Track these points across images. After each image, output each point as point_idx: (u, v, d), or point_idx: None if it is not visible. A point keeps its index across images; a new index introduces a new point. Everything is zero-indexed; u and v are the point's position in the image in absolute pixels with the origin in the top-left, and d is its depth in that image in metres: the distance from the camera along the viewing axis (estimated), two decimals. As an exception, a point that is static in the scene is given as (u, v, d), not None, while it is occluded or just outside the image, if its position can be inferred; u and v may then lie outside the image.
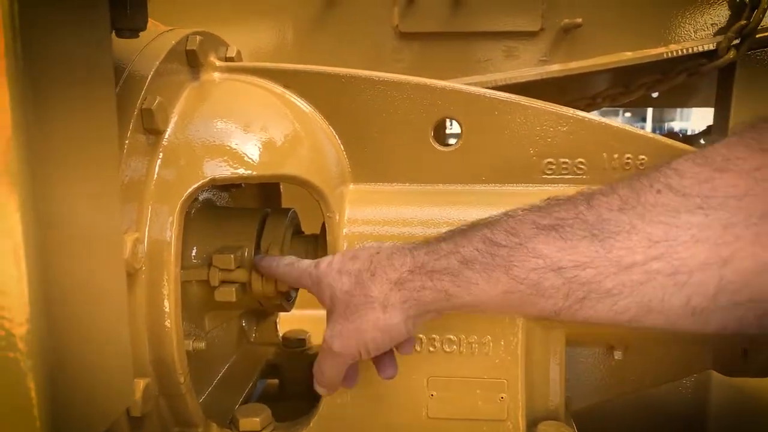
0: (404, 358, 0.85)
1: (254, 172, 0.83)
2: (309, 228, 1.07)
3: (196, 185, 0.79)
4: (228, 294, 0.91)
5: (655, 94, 1.61)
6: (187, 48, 0.88)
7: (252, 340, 1.22)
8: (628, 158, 0.95)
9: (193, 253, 0.93)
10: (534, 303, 0.64)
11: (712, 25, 1.37)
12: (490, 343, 0.88)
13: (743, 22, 1.32)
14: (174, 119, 0.83)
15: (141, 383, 0.73)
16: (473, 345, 0.88)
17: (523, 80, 1.36)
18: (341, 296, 0.75)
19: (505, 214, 0.69)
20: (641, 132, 0.96)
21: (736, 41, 1.33)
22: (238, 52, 1.03)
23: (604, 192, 0.62)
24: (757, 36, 1.33)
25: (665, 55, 1.34)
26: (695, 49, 1.34)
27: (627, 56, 1.34)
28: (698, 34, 1.38)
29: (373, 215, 0.93)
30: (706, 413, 1.41)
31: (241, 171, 0.82)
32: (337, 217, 0.92)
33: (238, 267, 0.92)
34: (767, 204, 0.52)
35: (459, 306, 0.70)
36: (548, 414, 0.93)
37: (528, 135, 0.94)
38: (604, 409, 1.15)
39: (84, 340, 0.47)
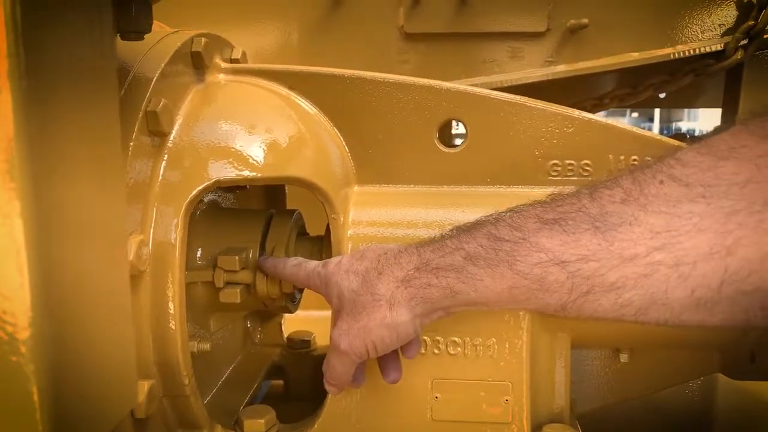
0: (409, 360, 0.85)
1: (259, 174, 0.83)
2: (313, 229, 1.07)
3: (200, 187, 0.79)
4: (233, 295, 0.92)
5: (662, 95, 1.60)
6: (192, 50, 0.88)
7: (257, 341, 1.22)
8: (634, 160, 0.94)
9: (198, 255, 0.94)
10: (539, 298, 0.63)
11: (719, 25, 1.36)
12: (495, 346, 0.88)
13: (751, 22, 1.31)
14: (179, 121, 0.83)
15: (145, 385, 0.73)
16: (478, 347, 0.88)
17: (529, 81, 1.35)
18: (349, 295, 0.76)
19: (509, 209, 0.69)
20: (647, 133, 0.96)
21: (744, 42, 1.32)
22: (244, 54, 1.03)
23: (608, 185, 0.62)
24: (764, 36, 1.32)
25: (672, 56, 1.33)
26: (703, 49, 1.33)
27: (634, 57, 1.33)
28: (705, 34, 1.37)
29: (377, 217, 0.93)
30: (712, 416, 1.40)
31: (246, 173, 0.82)
32: (342, 219, 0.91)
33: (243, 268, 0.92)
34: None
35: (465, 303, 0.70)
36: (553, 417, 0.93)
37: (533, 136, 0.94)
38: (609, 412, 1.15)
39: (87, 343, 0.47)
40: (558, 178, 0.95)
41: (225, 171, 0.81)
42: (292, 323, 1.25)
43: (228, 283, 0.92)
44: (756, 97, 1.38)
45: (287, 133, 0.90)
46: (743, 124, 0.56)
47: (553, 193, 0.67)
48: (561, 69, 1.36)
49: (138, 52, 0.81)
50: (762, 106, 0.58)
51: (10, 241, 0.37)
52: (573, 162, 0.95)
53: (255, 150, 0.85)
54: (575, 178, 0.95)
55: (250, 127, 0.87)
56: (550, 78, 1.37)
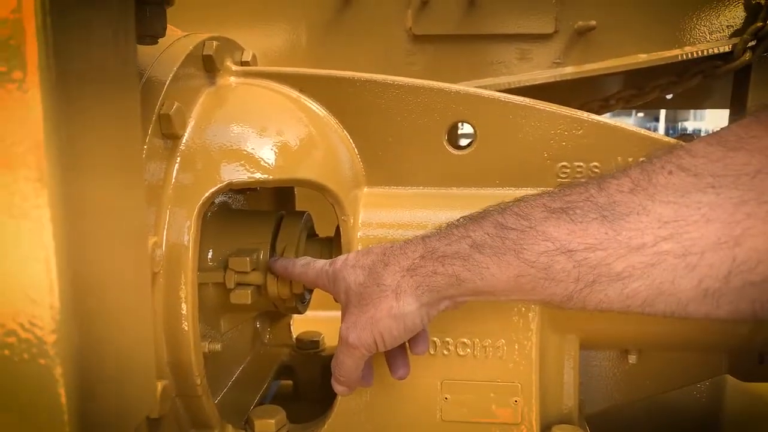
0: (418, 360, 0.85)
1: (270, 177, 0.84)
2: (321, 231, 1.08)
3: (213, 189, 0.80)
4: (243, 296, 0.92)
5: (669, 96, 1.61)
6: (204, 53, 0.89)
7: (266, 341, 1.23)
8: (636, 162, 0.94)
9: (209, 256, 0.94)
10: (545, 287, 0.63)
11: (727, 27, 1.36)
12: (504, 347, 0.88)
13: (759, 24, 1.31)
14: (191, 124, 0.84)
15: (159, 385, 0.74)
16: (487, 348, 0.88)
17: (537, 83, 1.35)
18: (356, 288, 0.76)
19: (517, 199, 0.68)
20: (656, 135, 0.96)
21: (752, 43, 1.32)
22: (254, 56, 1.03)
23: (616, 175, 0.62)
24: (773, 38, 1.32)
25: (680, 57, 1.33)
26: (711, 51, 1.33)
27: (641, 58, 1.33)
28: (713, 36, 1.37)
29: (387, 218, 0.94)
30: (720, 418, 1.40)
31: (258, 175, 0.83)
32: (352, 220, 0.92)
33: (254, 269, 0.93)
34: None
35: (471, 292, 0.69)
36: (562, 418, 0.93)
37: (542, 139, 0.94)
38: (617, 413, 1.15)
39: (111, 346, 0.47)
40: (567, 180, 0.95)
41: (237, 173, 0.82)
42: (301, 324, 1.25)
43: (239, 284, 0.93)
44: (764, 98, 1.38)
45: (298, 135, 0.91)
46: (754, 115, 0.56)
47: (562, 184, 0.67)
48: (569, 70, 1.36)
49: (151, 56, 0.81)
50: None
51: (39, 248, 0.38)
52: (582, 164, 0.95)
53: (266, 152, 0.85)
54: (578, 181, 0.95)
55: (261, 130, 0.87)
56: (557, 79, 1.37)
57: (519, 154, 0.95)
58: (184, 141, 0.82)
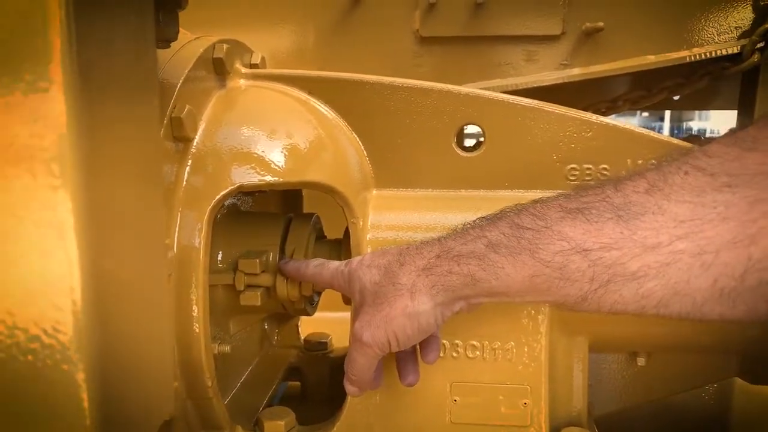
0: (428, 364, 0.85)
1: (280, 179, 0.84)
2: (329, 233, 1.08)
3: (224, 192, 0.80)
4: (253, 298, 0.93)
5: (676, 97, 1.60)
6: (214, 56, 0.89)
7: (274, 343, 1.23)
8: (652, 164, 0.94)
9: (219, 258, 0.95)
10: (560, 287, 0.63)
11: (735, 28, 1.35)
12: (514, 349, 0.88)
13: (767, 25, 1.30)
14: (202, 126, 0.85)
15: (170, 387, 0.74)
16: (496, 351, 0.88)
17: (544, 84, 1.35)
18: (370, 287, 0.76)
19: (533, 200, 0.69)
20: (665, 138, 0.96)
21: (761, 44, 1.32)
22: (263, 59, 1.04)
23: (632, 177, 0.62)
24: (782, 39, 1.32)
25: (688, 59, 1.33)
26: (719, 52, 1.33)
27: (649, 60, 1.33)
28: (722, 37, 1.36)
29: (396, 221, 0.94)
30: (728, 421, 1.40)
31: (268, 178, 0.83)
32: (361, 223, 0.92)
33: (263, 271, 0.93)
34: None
35: (486, 292, 0.69)
36: (571, 420, 0.93)
37: (551, 141, 0.94)
38: (626, 416, 1.15)
39: (130, 350, 0.48)
40: (576, 182, 0.95)
41: (247, 176, 0.82)
42: (309, 325, 1.26)
43: (248, 286, 0.93)
44: (772, 99, 1.37)
45: (307, 137, 0.91)
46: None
47: (577, 185, 0.67)
48: (576, 72, 1.36)
49: (162, 59, 0.82)
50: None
51: (62, 254, 0.38)
52: (591, 166, 0.95)
53: (276, 155, 0.86)
54: (594, 183, 0.95)
55: (271, 132, 0.88)
56: (564, 81, 1.37)
57: (528, 156, 0.95)
58: (195, 144, 0.83)
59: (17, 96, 0.39)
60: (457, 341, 0.89)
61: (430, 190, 0.99)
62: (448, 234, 0.74)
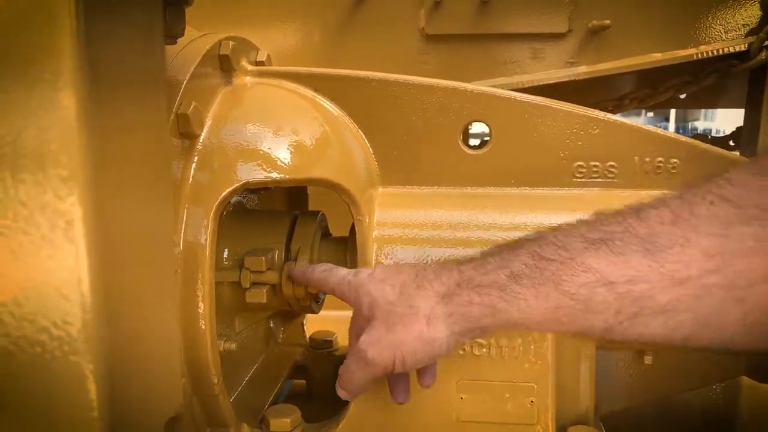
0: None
1: (286, 176, 0.84)
2: (334, 231, 1.08)
3: (230, 189, 0.80)
4: (259, 295, 0.93)
5: (683, 95, 1.59)
6: (221, 53, 0.89)
7: (280, 341, 1.23)
8: (660, 161, 0.94)
9: (225, 255, 0.95)
10: (584, 319, 0.62)
11: (743, 25, 1.35)
12: (520, 347, 0.88)
13: (775, 22, 1.30)
14: (208, 123, 0.85)
15: (178, 383, 0.74)
16: (503, 349, 0.88)
17: (550, 82, 1.35)
18: (383, 305, 0.74)
19: (553, 229, 0.67)
20: (673, 135, 0.96)
21: (768, 42, 1.31)
22: (269, 56, 1.04)
23: (654, 205, 0.61)
24: (790, 37, 1.31)
25: (695, 57, 1.32)
26: (726, 50, 1.32)
27: (656, 58, 1.32)
28: (729, 35, 1.36)
29: (402, 218, 0.94)
30: (735, 419, 1.39)
31: (274, 175, 0.83)
32: (367, 220, 0.92)
33: (269, 269, 0.93)
34: None
35: (505, 323, 0.68)
36: (577, 418, 0.93)
37: (558, 138, 0.94)
38: (633, 414, 1.14)
39: (139, 343, 0.48)
40: (583, 179, 0.95)
41: (253, 173, 0.82)
42: (314, 323, 1.26)
43: (254, 284, 0.93)
44: (780, 97, 1.36)
45: (313, 134, 0.91)
46: None
47: (598, 212, 0.65)
48: (582, 70, 1.35)
49: (168, 55, 0.82)
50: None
51: (71, 246, 0.38)
52: (598, 163, 0.95)
53: (282, 152, 0.85)
54: (600, 180, 0.95)
55: (277, 129, 0.87)
56: (571, 79, 1.37)
57: (535, 154, 0.95)
58: (201, 140, 0.83)
59: (26, 91, 0.39)
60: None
61: (436, 187, 0.99)
62: (465, 261, 0.73)
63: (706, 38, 1.36)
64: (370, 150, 0.98)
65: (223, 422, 0.86)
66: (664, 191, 0.93)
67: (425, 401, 0.90)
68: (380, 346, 0.73)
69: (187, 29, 0.89)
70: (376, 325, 0.74)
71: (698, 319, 0.56)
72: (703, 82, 1.40)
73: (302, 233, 0.98)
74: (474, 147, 0.97)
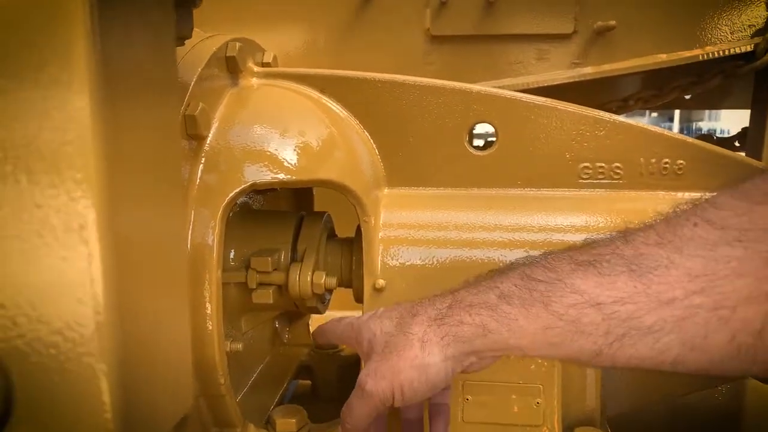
0: None
1: (293, 177, 0.84)
2: (339, 232, 1.08)
3: (237, 190, 0.81)
4: (265, 296, 0.93)
5: (688, 96, 1.59)
6: (227, 54, 0.90)
7: (285, 341, 1.24)
8: (666, 163, 0.94)
9: (231, 256, 0.95)
10: (573, 341, 0.62)
11: (749, 26, 1.34)
12: (526, 348, 0.88)
13: (781, 23, 1.29)
14: (215, 125, 0.85)
15: (186, 384, 0.74)
16: (509, 349, 0.88)
17: (555, 83, 1.35)
18: (381, 336, 0.75)
19: (543, 252, 0.68)
20: (679, 136, 0.96)
21: (774, 43, 1.31)
22: (275, 58, 1.04)
23: (641, 228, 0.61)
24: (796, 38, 1.30)
25: (701, 58, 1.32)
26: (732, 50, 1.32)
27: (662, 58, 1.32)
28: (735, 35, 1.35)
29: (408, 219, 0.94)
30: (740, 420, 1.39)
31: (281, 176, 0.83)
32: (373, 221, 0.92)
33: (275, 269, 0.94)
34: None
35: (498, 344, 0.67)
36: (584, 419, 0.93)
37: (564, 139, 0.94)
38: (638, 415, 1.14)
39: (150, 344, 0.48)
40: (589, 180, 0.95)
41: (260, 174, 0.82)
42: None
43: (261, 284, 0.93)
44: (785, 98, 1.36)
45: (319, 136, 0.91)
46: None
47: (587, 238, 0.66)
48: (588, 71, 1.35)
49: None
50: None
51: (84, 247, 0.39)
52: (604, 165, 0.95)
53: (289, 153, 0.86)
54: (606, 181, 0.95)
55: (284, 131, 0.88)
56: (576, 80, 1.37)
57: (540, 155, 0.95)
58: (208, 142, 0.83)
59: (41, 93, 0.40)
60: (469, 340, 0.89)
61: (442, 188, 0.99)
62: (460, 285, 0.73)
63: (712, 39, 1.36)
64: (376, 151, 0.99)
65: (229, 422, 0.87)
66: (670, 193, 0.94)
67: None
68: (377, 377, 0.72)
69: (194, 30, 0.89)
70: (375, 357, 0.74)
71: (685, 340, 0.56)
72: (709, 82, 1.40)
73: (308, 234, 0.98)
74: (480, 148, 0.97)
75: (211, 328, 0.79)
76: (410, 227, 0.93)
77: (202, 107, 0.79)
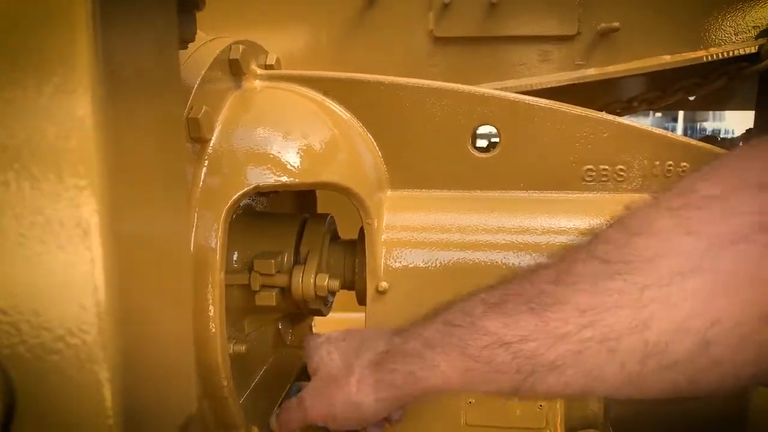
0: None
1: (297, 180, 0.84)
2: (341, 234, 1.08)
3: (240, 192, 0.80)
4: (268, 298, 0.93)
5: (692, 98, 1.59)
6: (230, 57, 0.90)
7: (288, 343, 1.23)
8: (670, 165, 0.94)
9: (234, 258, 0.95)
10: (492, 380, 0.64)
11: (753, 27, 1.34)
12: (529, 351, 0.88)
13: (786, 24, 1.29)
14: (218, 128, 0.85)
15: (189, 386, 0.74)
16: (512, 352, 0.88)
17: (559, 84, 1.35)
18: (328, 362, 0.81)
19: (463, 296, 0.70)
20: (683, 139, 0.96)
21: (779, 44, 1.30)
22: (278, 60, 1.04)
23: (547, 265, 0.63)
24: (800, 39, 1.30)
25: (705, 59, 1.31)
26: (736, 52, 1.31)
27: (666, 60, 1.32)
28: (739, 37, 1.35)
29: (411, 221, 0.94)
30: (745, 421, 1.38)
31: (284, 178, 0.83)
32: (376, 224, 0.92)
33: (279, 272, 0.94)
34: (674, 263, 0.52)
35: (428, 389, 0.71)
36: (587, 422, 0.93)
37: (567, 141, 0.94)
38: (642, 417, 1.14)
39: (153, 349, 0.48)
40: (592, 183, 0.95)
41: (263, 177, 0.82)
42: (322, 326, 1.26)
43: (264, 286, 0.93)
44: (790, 99, 1.36)
45: (322, 138, 0.91)
46: (654, 199, 0.58)
47: (500, 276, 0.69)
48: (592, 72, 1.35)
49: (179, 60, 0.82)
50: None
51: (87, 252, 0.39)
52: (607, 167, 0.95)
53: (292, 156, 0.86)
54: (610, 184, 0.95)
55: (287, 133, 0.88)
56: (580, 81, 1.36)
57: (544, 157, 0.95)
58: (211, 145, 0.83)
59: (44, 96, 0.40)
60: (472, 342, 0.88)
61: (445, 191, 0.99)
62: (399, 329, 0.77)
63: (716, 40, 1.36)
64: (379, 153, 0.99)
65: (232, 425, 0.87)
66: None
67: (434, 405, 0.90)
68: (316, 400, 0.80)
69: (197, 33, 0.89)
70: (318, 379, 0.81)
71: (584, 372, 0.57)
72: (713, 84, 1.39)
73: (311, 236, 0.98)
74: (483, 150, 0.97)
75: (214, 330, 0.79)
76: (413, 230, 0.93)
77: (206, 110, 0.79)
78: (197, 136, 0.79)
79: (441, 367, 0.68)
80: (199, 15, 0.81)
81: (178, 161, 0.57)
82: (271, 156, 0.84)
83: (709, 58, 1.32)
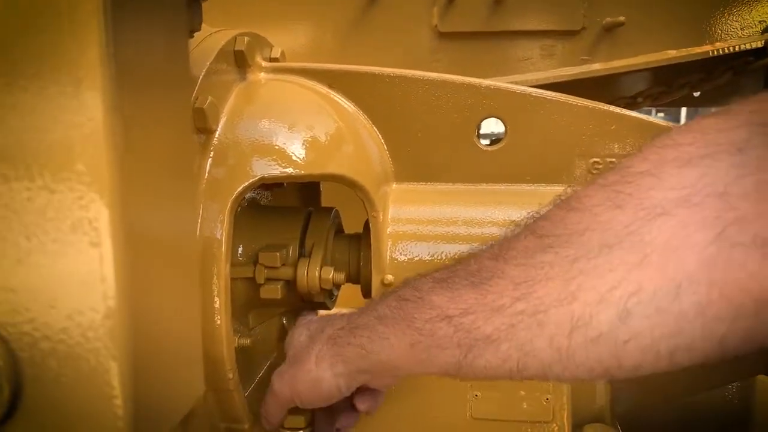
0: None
1: (302, 171, 0.84)
2: (345, 228, 1.07)
3: (246, 184, 0.80)
4: (273, 291, 0.92)
5: (697, 93, 1.58)
6: (236, 49, 0.89)
7: (292, 337, 1.23)
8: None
9: (239, 251, 0.95)
10: (435, 355, 0.65)
11: (759, 22, 1.34)
12: (536, 344, 0.87)
13: (792, 19, 1.28)
14: (223, 119, 0.84)
15: (194, 377, 0.74)
16: (518, 345, 0.87)
17: (564, 79, 1.34)
18: (296, 344, 0.83)
19: (418, 273, 0.72)
20: (690, 131, 0.95)
21: (785, 39, 1.30)
22: (283, 53, 1.04)
23: (492, 244, 0.65)
24: (807, 33, 1.30)
25: (710, 54, 1.31)
26: (742, 47, 1.31)
27: (671, 55, 1.31)
28: (745, 31, 1.34)
29: (416, 214, 0.94)
30: (750, 418, 1.38)
31: (290, 170, 0.83)
32: (381, 217, 0.92)
33: (284, 265, 0.93)
34: (602, 237, 0.53)
35: (377, 364, 0.72)
36: (594, 416, 0.93)
37: (574, 134, 0.94)
38: (648, 413, 1.13)
39: (161, 332, 0.48)
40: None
41: (269, 168, 0.82)
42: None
43: (269, 279, 0.93)
44: (796, 94, 1.35)
45: (327, 130, 0.91)
46: (595, 177, 0.59)
47: (455, 257, 0.70)
48: (597, 67, 1.34)
49: (184, 51, 0.82)
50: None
51: (96, 251, 0.39)
52: (614, 160, 0.94)
53: (297, 147, 0.85)
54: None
55: (292, 125, 0.87)
56: (585, 76, 1.36)
57: (550, 150, 0.95)
58: (216, 136, 0.83)
59: (53, 91, 0.40)
60: (478, 336, 0.88)
61: (450, 184, 0.98)
62: (358, 308, 0.79)
63: (722, 35, 1.35)
64: (385, 146, 0.98)
65: (237, 418, 0.86)
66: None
67: (439, 399, 0.90)
68: (282, 380, 0.81)
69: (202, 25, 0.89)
70: (288, 361, 0.83)
71: (517, 347, 0.58)
72: (719, 79, 1.39)
73: (316, 230, 0.98)
74: (489, 143, 0.97)
75: (219, 322, 0.79)
76: (419, 222, 0.93)
77: (211, 100, 0.79)
78: (203, 126, 0.79)
79: (390, 339, 0.69)
80: (204, 11, 0.81)
81: (187, 152, 0.57)
82: (277, 147, 0.84)
83: (715, 52, 1.31)
